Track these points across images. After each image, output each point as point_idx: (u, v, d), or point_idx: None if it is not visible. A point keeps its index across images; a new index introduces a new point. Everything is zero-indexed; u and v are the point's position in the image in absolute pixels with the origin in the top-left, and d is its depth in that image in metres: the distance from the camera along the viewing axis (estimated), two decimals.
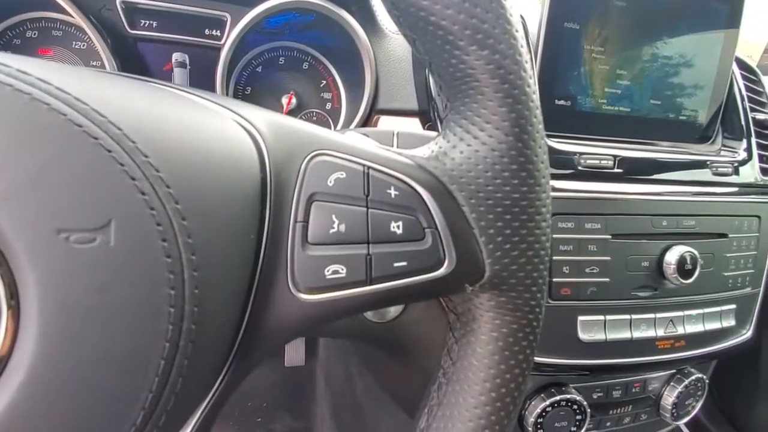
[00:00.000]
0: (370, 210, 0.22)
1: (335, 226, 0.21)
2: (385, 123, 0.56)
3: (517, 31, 0.22)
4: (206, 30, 0.60)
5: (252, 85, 0.62)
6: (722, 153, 0.61)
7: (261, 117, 0.24)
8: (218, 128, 0.22)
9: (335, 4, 0.51)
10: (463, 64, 0.22)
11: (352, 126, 0.57)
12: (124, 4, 0.56)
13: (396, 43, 0.56)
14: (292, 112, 0.64)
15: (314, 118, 0.65)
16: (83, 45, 0.57)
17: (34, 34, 0.56)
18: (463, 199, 0.22)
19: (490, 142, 0.22)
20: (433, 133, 0.40)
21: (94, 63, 0.57)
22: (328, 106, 0.66)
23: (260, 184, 0.21)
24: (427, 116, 0.55)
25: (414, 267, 0.21)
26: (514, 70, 0.22)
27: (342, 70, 0.64)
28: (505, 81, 0.22)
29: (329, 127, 0.65)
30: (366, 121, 0.57)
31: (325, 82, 0.65)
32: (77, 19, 0.52)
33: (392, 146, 0.39)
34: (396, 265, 0.21)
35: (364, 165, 0.23)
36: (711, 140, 0.63)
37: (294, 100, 0.63)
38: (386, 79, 0.55)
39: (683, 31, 0.59)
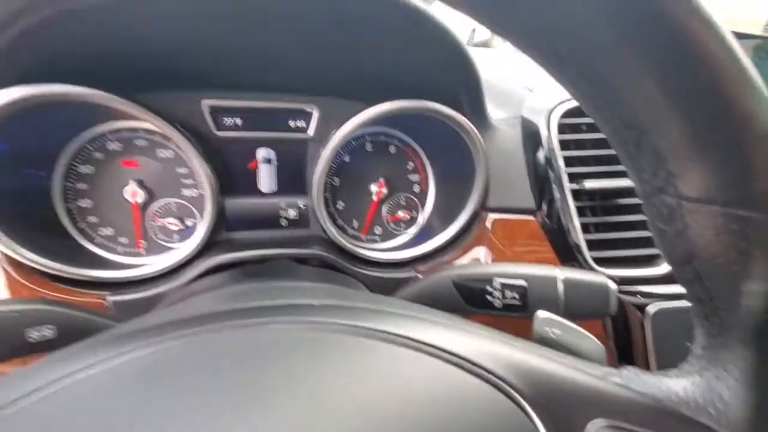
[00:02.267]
0: None
1: None
2: (496, 221, 0.53)
3: None
4: (290, 122, 0.57)
5: (340, 175, 0.59)
6: None
7: (514, 370, 0.22)
8: (488, 414, 0.20)
9: (449, 107, 0.47)
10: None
11: (460, 222, 0.54)
12: (210, 108, 0.53)
13: (505, 135, 0.53)
14: (382, 201, 0.61)
15: (403, 202, 0.62)
16: (170, 153, 0.53)
17: (118, 145, 0.52)
18: None
19: None
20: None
21: (181, 170, 0.54)
22: (417, 188, 0.62)
23: None
24: (536, 212, 0.52)
25: None
26: None
27: (429, 149, 0.61)
28: None
29: (416, 210, 0.63)
30: (473, 219, 0.54)
31: (413, 164, 0.62)
32: (163, 128, 0.48)
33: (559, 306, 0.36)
34: None
35: None
36: None
37: (384, 189, 0.60)
38: (497, 174, 0.52)
39: None
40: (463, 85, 0.47)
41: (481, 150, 0.49)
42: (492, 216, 0.52)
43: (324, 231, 0.56)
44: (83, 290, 0.46)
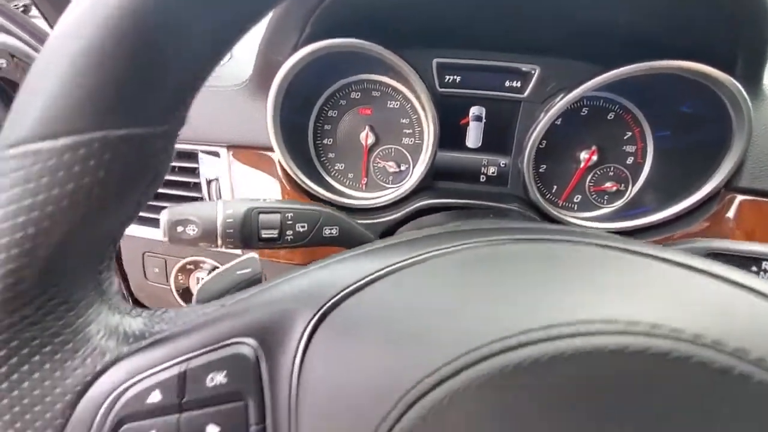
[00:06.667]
0: None
1: None
2: (745, 204, 0.46)
3: None
4: (506, 82, 0.58)
5: (548, 138, 0.59)
6: None
7: None
8: None
9: (716, 68, 0.42)
10: None
11: (690, 201, 0.49)
12: (438, 64, 0.58)
13: None
14: (589, 169, 0.59)
15: (611, 173, 0.59)
16: (396, 104, 0.61)
17: (358, 95, 0.61)
18: None
19: None
20: None
21: (404, 120, 0.61)
22: (630, 160, 0.58)
23: None
24: None
25: None
26: None
27: (656, 118, 0.56)
28: None
29: (626, 183, 0.59)
30: (709, 200, 0.48)
31: (630, 133, 0.58)
32: (412, 79, 0.54)
33: None
34: None
35: None
36: None
37: (594, 157, 0.58)
38: (757, 152, 0.45)
39: None
40: (745, 43, 0.41)
41: (747, 120, 0.43)
42: (740, 198, 0.46)
43: (525, 192, 0.57)
44: None
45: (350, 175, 0.64)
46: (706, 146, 0.49)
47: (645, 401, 0.15)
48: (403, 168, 0.63)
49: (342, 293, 0.22)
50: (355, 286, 0.22)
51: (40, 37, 0.82)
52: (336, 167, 0.64)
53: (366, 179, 0.64)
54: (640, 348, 0.15)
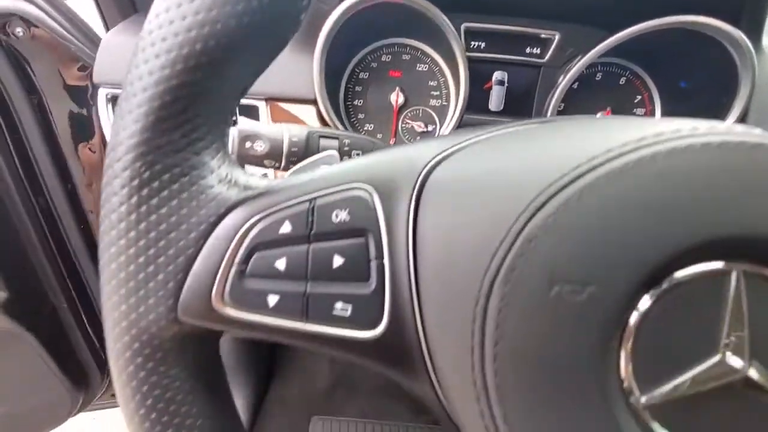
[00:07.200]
0: None
1: None
2: None
3: None
4: (527, 48, 0.63)
5: (567, 101, 0.64)
6: None
7: None
8: None
9: (723, 20, 0.48)
10: None
11: None
12: (465, 29, 0.62)
13: None
14: None
15: None
16: (425, 67, 0.65)
17: (388, 57, 0.65)
18: None
19: None
20: None
21: (432, 83, 0.65)
22: None
23: None
24: None
25: None
26: None
27: (663, 84, 0.61)
28: None
29: None
30: None
31: (640, 97, 0.63)
32: (434, 41, 0.58)
33: None
34: None
35: None
36: None
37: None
38: (758, 100, 0.51)
39: None
40: (750, 1, 0.46)
41: (752, 70, 0.48)
42: None
43: None
44: None
45: (379, 135, 0.67)
46: (710, 105, 0.54)
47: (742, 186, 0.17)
48: (430, 128, 0.66)
49: (450, 149, 0.24)
50: (460, 145, 0.25)
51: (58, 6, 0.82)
52: (366, 127, 0.67)
53: (395, 139, 0.67)
54: (736, 140, 0.18)
